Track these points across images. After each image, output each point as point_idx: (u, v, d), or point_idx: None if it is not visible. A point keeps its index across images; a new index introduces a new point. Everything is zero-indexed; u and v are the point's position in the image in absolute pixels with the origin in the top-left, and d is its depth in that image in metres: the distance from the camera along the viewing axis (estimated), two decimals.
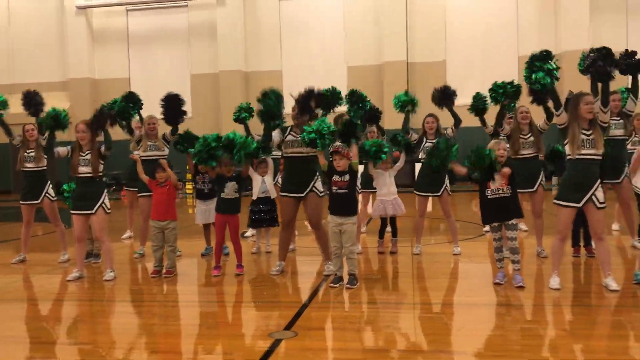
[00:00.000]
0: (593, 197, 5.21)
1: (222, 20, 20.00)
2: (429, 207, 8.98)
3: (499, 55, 19.23)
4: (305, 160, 6.25)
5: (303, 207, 6.37)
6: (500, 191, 5.58)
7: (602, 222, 5.35)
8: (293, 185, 6.27)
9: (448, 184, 7.28)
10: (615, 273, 5.59)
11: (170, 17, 20.99)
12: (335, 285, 5.72)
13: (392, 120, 18.92)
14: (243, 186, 6.54)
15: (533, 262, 6.69)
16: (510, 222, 5.64)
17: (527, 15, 19.05)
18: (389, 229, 7.64)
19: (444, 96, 7.48)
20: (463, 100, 20.89)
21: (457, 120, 7.41)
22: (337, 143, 5.95)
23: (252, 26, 20.50)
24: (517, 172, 5.66)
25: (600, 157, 5.21)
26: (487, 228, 8.89)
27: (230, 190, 6.41)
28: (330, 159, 5.91)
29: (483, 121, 7.30)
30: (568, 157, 5.29)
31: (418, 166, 7.49)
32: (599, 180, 5.25)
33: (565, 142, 5.32)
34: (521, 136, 6.73)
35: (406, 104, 7.59)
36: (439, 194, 7.22)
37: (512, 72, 19.05)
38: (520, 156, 6.64)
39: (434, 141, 7.06)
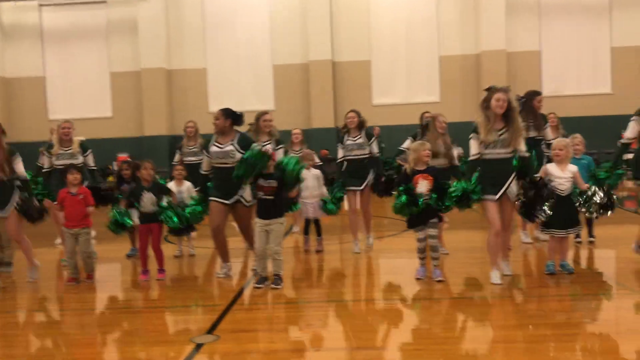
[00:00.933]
0: (508, 190, 5.42)
1: (143, 16, 19.35)
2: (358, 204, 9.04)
3: (421, 55, 19.64)
4: (231, 171, 6.03)
5: (232, 215, 6.24)
6: (426, 197, 5.63)
7: (511, 214, 5.62)
8: (221, 192, 6.07)
9: (371, 180, 7.30)
10: (525, 264, 5.82)
11: (88, 12, 20.11)
12: (260, 286, 5.64)
13: (321, 119, 19.07)
14: (161, 197, 6.22)
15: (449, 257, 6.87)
16: (431, 221, 5.73)
17: (448, 16, 19.56)
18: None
19: None
20: (389, 99, 21.19)
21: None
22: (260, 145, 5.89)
23: (175, 23, 19.98)
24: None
25: (511, 155, 5.38)
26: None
27: (147, 203, 6.12)
28: None
29: None
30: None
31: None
32: (513, 174, 5.43)
33: None
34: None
35: None
36: (361, 188, 7.24)
37: (434, 72, 19.65)
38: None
39: (355, 137, 7.12)
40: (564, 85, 19.25)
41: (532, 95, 7.04)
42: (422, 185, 5.58)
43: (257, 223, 5.71)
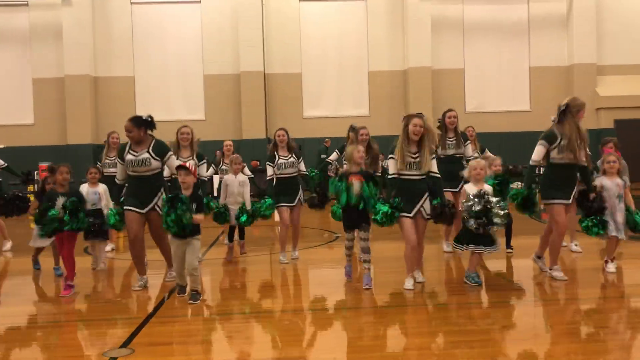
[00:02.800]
0: (421, 209, 5.76)
1: (68, 21, 18.71)
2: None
3: (351, 69, 20.03)
4: (147, 179, 5.95)
5: (147, 223, 6.10)
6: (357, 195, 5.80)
7: (424, 231, 5.92)
8: (136, 201, 5.95)
9: (302, 195, 7.42)
10: (447, 273, 6.01)
11: (8, 15, 19.25)
12: (183, 295, 5.58)
13: (252, 130, 18.99)
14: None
15: (379, 265, 6.99)
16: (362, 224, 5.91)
17: (377, 33, 20.06)
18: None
19: None
20: (320, 112, 21.38)
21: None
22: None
23: (102, 29, 19.45)
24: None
25: (423, 177, 5.70)
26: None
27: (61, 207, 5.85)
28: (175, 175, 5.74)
29: None
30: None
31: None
32: (426, 194, 5.75)
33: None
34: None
35: None
36: (293, 204, 7.34)
37: (363, 86, 20.03)
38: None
39: (287, 157, 7.26)
40: (486, 102, 20.12)
41: (444, 113, 7.40)
42: (355, 185, 5.77)
43: (172, 241, 5.56)
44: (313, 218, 11.50)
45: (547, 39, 20.27)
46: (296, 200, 7.37)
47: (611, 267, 6.28)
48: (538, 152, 5.88)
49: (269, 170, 7.31)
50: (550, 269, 6.07)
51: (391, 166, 5.79)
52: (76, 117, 18.74)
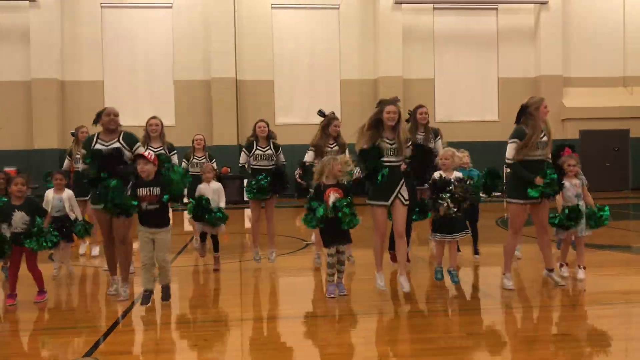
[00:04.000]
0: (399, 195, 5.70)
1: (35, 24, 18.36)
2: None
3: (323, 77, 20.12)
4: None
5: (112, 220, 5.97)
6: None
7: (404, 219, 5.80)
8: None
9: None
10: (417, 274, 6.06)
11: None
12: (148, 303, 5.42)
13: (223, 137, 18.88)
14: (34, 215, 5.70)
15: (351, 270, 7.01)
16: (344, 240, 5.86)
17: (349, 42, 20.20)
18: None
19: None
20: (291, 119, 21.38)
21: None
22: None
23: (71, 32, 19.15)
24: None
25: (400, 163, 5.68)
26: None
27: (18, 223, 5.63)
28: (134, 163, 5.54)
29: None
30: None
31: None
32: (402, 180, 5.72)
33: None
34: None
35: None
36: (267, 197, 7.27)
37: (335, 95, 20.12)
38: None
39: (264, 148, 7.23)
40: (455, 112, 20.41)
41: (415, 109, 7.38)
42: (333, 199, 5.65)
43: (141, 232, 5.45)
44: (283, 225, 11.48)
45: (515, 51, 20.67)
46: (269, 194, 7.25)
47: (565, 271, 6.42)
48: (511, 150, 5.82)
49: (242, 158, 7.29)
50: (503, 274, 6.11)
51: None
52: (43, 122, 18.38)
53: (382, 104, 5.74)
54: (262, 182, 7.08)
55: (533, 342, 4.46)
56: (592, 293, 5.98)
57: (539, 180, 5.69)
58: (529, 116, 5.85)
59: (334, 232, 5.71)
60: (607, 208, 6.38)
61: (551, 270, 6.16)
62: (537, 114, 5.83)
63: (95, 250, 8.48)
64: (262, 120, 7.43)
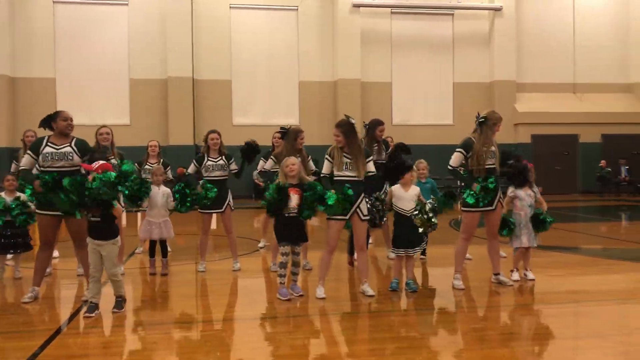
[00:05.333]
0: (358, 210, 5.74)
1: None
2: (213, 224, 8.91)
3: (281, 78, 20.07)
4: (69, 175, 5.67)
5: (66, 226, 5.81)
6: (293, 210, 5.75)
7: (364, 233, 5.91)
8: (52, 203, 5.60)
9: (231, 200, 7.32)
10: (371, 281, 6.10)
11: None
12: (91, 315, 5.17)
13: (179, 136, 18.58)
14: None
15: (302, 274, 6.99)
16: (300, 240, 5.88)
17: (308, 44, 20.22)
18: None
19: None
20: (249, 119, 21.23)
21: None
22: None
23: (22, 28, 18.55)
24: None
25: (360, 178, 5.75)
26: (261, 244, 9.12)
27: None
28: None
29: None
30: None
31: None
32: (362, 195, 5.76)
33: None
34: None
35: None
36: (221, 210, 7.22)
37: (294, 96, 20.10)
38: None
39: (216, 159, 7.15)
40: (412, 115, 20.68)
41: (375, 125, 7.46)
42: (293, 199, 5.71)
43: (89, 242, 5.33)
44: (240, 226, 11.38)
45: (471, 56, 21.09)
46: (225, 206, 7.24)
47: (515, 275, 6.60)
48: (454, 159, 6.14)
49: (191, 169, 7.19)
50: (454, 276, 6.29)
51: (326, 166, 5.83)
52: None
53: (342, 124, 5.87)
54: (209, 193, 6.97)
55: (484, 340, 4.54)
56: (541, 293, 6.12)
57: (474, 187, 6.02)
58: (485, 128, 6.02)
59: (291, 229, 5.74)
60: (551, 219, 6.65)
61: (498, 274, 6.42)
62: (493, 129, 6.07)
63: (55, 253, 8.18)
64: (214, 132, 7.33)
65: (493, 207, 6.16)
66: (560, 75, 21.55)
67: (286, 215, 5.74)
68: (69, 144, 5.66)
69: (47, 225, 5.70)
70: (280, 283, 5.86)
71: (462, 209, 6.21)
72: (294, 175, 5.79)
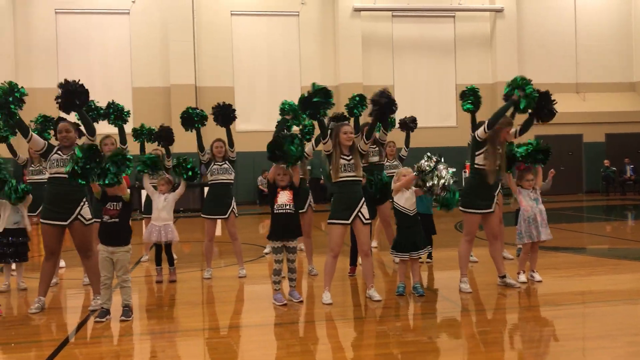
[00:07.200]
0: (359, 214, 5.66)
1: None
2: (218, 231, 8.92)
3: (283, 84, 20.10)
4: (68, 183, 5.58)
5: (70, 236, 5.84)
6: (287, 207, 5.76)
7: (368, 238, 5.82)
8: (55, 212, 5.67)
9: (235, 206, 7.33)
10: (378, 285, 6.08)
11: None
12: (102, 320, 5.25)
13: (183, 144, 18.58)
14: None
15: (305, 279, 6.98)
16: (291, 245, 5.84)
17: (309, 50, 20.26)
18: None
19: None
20: (252, 126, 21.26)
21: None
22: None
23: (24, 38, 18.67)
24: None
25: (360, 179, 5.68)
26: (267, 249, 9.10)
27: None
28: None
29: None
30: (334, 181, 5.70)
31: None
32: (362, 199, 5.70)
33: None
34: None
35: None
36: (225, 216, 7.20)
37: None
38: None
39: (221, 163, 7.17)
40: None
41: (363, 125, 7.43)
42: (283, 196, 5.75)
43: (101, 251, 5.40)
44: (245, 233, 11.39)
45: (473, 58, 21.09)
46: (229, 212, 7.22)
47: (522, 277, 6.53)
48: (481, 129, 5.98)
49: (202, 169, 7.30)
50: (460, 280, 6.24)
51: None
52: None
53: (338, 127, 5.81)
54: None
55: (491, 343, 4.52)
56: (547, 294, 6.09)
57: (515, 97, 6.02)
58: (495, 130, 5.94)
59: (284, 225, 5.74)
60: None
61: (503, 277, 6.33)
62: (499, 134, 6.02)
63: (61, 262, 8.18)
64: (219, 140, 7.35)
65: (492, 210, 6.13)
66: (563, 75, 21.52)
67: (276, 212, 5.76)
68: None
69: (50, 234, 5.72)
70: (275, 290, 5.86)
71: (461, 209, 6.14)
72: (279, 180, 5.80)
